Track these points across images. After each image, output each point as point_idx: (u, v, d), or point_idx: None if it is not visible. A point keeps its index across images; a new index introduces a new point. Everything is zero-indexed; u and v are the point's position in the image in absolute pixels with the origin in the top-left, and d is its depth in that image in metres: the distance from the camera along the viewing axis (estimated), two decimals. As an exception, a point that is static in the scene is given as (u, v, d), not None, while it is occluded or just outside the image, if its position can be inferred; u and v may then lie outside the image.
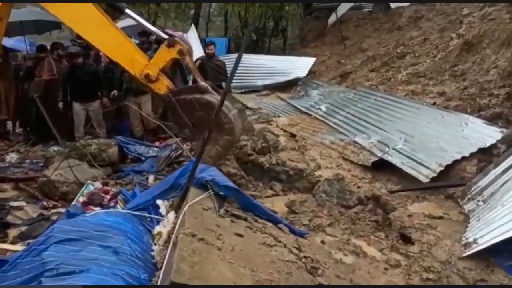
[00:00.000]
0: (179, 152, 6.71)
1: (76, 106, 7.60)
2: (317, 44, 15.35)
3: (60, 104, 7.66)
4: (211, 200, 3.47)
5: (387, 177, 5.61)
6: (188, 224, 2.87)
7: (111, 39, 4.91)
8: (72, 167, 5.60)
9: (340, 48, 13.34)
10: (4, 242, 4.40)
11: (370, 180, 5.60)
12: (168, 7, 18.26)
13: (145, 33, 7.71)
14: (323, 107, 8.60)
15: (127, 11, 4.99)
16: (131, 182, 5.91)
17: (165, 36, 5.00)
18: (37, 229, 4.51)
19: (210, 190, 3.51)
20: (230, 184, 3.72)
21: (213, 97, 4.84)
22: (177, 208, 3.45)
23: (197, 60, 8.67)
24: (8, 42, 11.03)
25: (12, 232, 4.61)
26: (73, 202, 4.15)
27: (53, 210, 5.14)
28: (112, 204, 3.92)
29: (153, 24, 14.97)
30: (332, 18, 15.30)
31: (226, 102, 4.97)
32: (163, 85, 4.91)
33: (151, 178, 5.97)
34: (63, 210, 5.04)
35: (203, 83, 4.97)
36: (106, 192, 4.08)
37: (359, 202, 4.83)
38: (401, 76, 8.55)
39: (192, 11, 20.10)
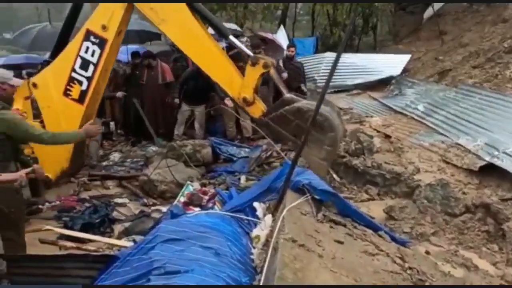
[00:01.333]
0: (269, 153, 6.73)
1: (184, 106, 7.93)
2: (411, 40, 14.57)
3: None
4: (308, 204, 3.38)
5: (497, 183, 5.11)
6: (288, 229, 2.81)
7: (212, 58, 5.00)
8: (170, 167, 5.83)
9: (438, 44, 12.51)
10: (110, 237, 4.70)
11: (477, 186, 5.13)
12: (255, 9, 18.49)
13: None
14: (420, 107, 8.10)
15: (230, 37, 5.08)
16: (224, 182, 6.03)
17: (250, 54, 5.00)
18: (139, 225, 4.75)
19: (307, 194, 3.43)
20: (327, 188, 3.61)
21: (301, 103, 4.79)
22: (273, 211, 3.41)
23: (278, 60, 8.64)
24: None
25: (117, 228, 4.91)
26: (175, 202, 4.29)
27: (153, 208, 5.39)
28: (210, 204, 3.99)
29: (241, 26, 15.26)
30: (428, 12, 14.42)
31: (314, 102, 4.88)
32: (258, 109, 4.93)
33: (243, 178, 6.04)
34: (162, 208, 5.28)
35: (287, 95, 4.95)
36: (205, 193, 4.17)
37: (466, 210, 4.44)
38: (510, 72, 7.77)
39: (279, 12, 20.16)
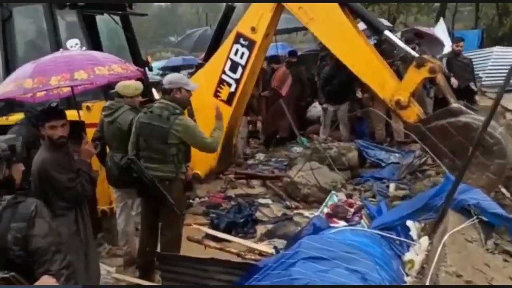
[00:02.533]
0: (423, 159, 6.11)
1: (329, 107, 7.75)
2: None
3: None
4: (475, 229, 2.88)
5: None
6: (450, 260, 2.40)
7: (363, 59, 4.70)
8: (313, 170, 5.67)
9: None
10: (253, 237, 4.73)
11: None
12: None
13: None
14: None
15: (386, 32, 4.71)
16: (370, 189, 5.67)
17: (414, 54, 4.51)
18: (281, 228, 4.69)
19: (474, 217, 2.91)
20: (500, 211, 3.03)
21: (470, 118, 4.15)
22: (431, 233, 2.99)
23: (441, 57, 7.78)
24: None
25: (260, 229, 4.93)
26: (318, 213, 4.10)
27: (295, 211, 5.29)
28: (356, 218, 3.71)
29: (394, 20, 14.36)
30: None
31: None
32: (413, 113, 4.45)
33: (392, 186, 5.62)
34: (304, 212, 5.15)
35: (455, 104, 4.33)
36: (350, 205, 3.89)
37: None
38: None
39: (437, 4, 18.53)
